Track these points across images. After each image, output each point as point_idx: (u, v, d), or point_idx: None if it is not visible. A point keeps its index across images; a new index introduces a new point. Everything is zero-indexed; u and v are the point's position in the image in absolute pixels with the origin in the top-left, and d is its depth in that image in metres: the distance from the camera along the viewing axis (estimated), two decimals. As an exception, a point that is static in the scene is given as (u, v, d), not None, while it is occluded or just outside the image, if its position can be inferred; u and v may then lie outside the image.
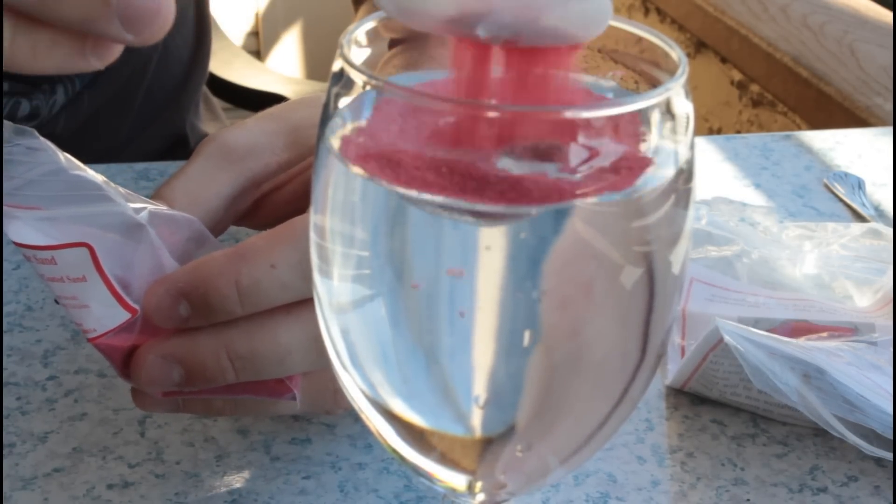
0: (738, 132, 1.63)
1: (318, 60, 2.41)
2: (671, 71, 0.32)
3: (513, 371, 0.32)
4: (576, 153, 0.29)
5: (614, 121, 0.29)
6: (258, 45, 2.37)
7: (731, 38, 1.67)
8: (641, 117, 0.30)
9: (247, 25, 2.37)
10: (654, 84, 0.33)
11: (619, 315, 0.31)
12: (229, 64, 1.41)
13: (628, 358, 0.32)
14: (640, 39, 0.33)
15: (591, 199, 0.29)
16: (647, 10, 2.01)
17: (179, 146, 1.02)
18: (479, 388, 0.32)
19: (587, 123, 0.29)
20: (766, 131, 1.57)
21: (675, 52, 0.32)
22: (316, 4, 2.37)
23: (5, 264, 0.68)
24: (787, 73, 1.52)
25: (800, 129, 1.50)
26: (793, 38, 1.56)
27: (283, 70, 2.19)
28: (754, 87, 1.63)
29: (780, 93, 1.56)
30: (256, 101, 1.39)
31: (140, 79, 0.94)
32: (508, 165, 0.29)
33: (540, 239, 0.30)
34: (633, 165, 0.30)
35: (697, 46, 1.79)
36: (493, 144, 0.29)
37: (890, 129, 0.92)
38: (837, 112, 1.41)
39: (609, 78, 0.35)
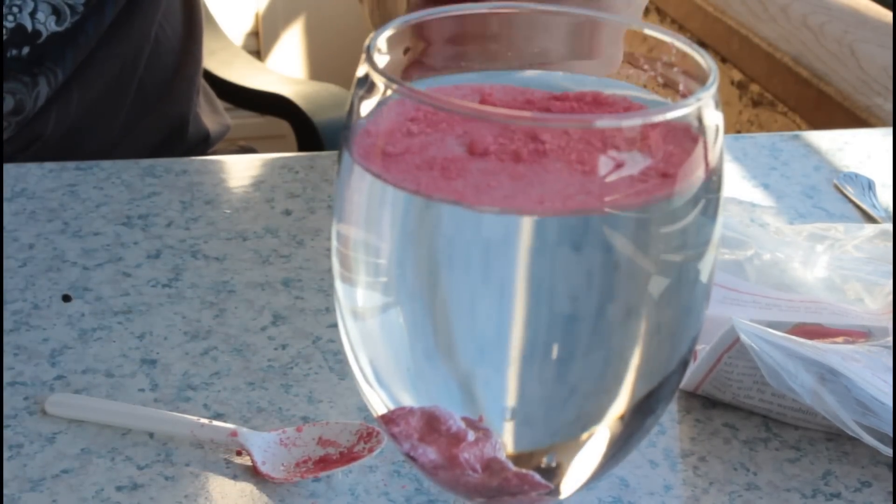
0: (738, 132, 1.63)
1: (318, 60, 2.40)
2: (700, 79, 0.32)
3: (541, 381, 0.31)
4: (605, 162, 0.29)
5: (644, 130, 0.29)
6: (258, 45, 2.36)
7: (731, 38, 1.66)
8: (671, 127, 0.30)
9: (247, 25, 2.36)
10: (679, 91, 0.33)
11: (648, 323, 0.31)
12: (229, 64, 1.40)
13: (654, 365, 0.32)
14: (669, 46, 0.33)
15: (620, 208, 0.29)
16: (647, 10, 2.01)
17: (175, 137, 1.01)
18: (506, 399, 0.32)
19: (618, 133, 0.28)
20: (766, 131, 1.57)
21: (706, 61, 0.31)
22: (316, 4, 2.36)
23: (11, 262, 0.67)
24: (787, 73, 1.52)
25: (800, 129, 1.49)
26: (793, 38, 1.55)
27: (283, 70, 2.18)
28: (754, 87, 1.63)
29: (780, 93, 1.56)
30: (256, 101, 1.38)
31: (131, 72, 0.93)
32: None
33: (568, 246, 0.30)
34: (663, 174, 0.30)
35: (697, 46, 1.79)
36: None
37: (895, 130, 0.92)
38: (837, 112, 1.41)
39: (634, 83, 0.35)
